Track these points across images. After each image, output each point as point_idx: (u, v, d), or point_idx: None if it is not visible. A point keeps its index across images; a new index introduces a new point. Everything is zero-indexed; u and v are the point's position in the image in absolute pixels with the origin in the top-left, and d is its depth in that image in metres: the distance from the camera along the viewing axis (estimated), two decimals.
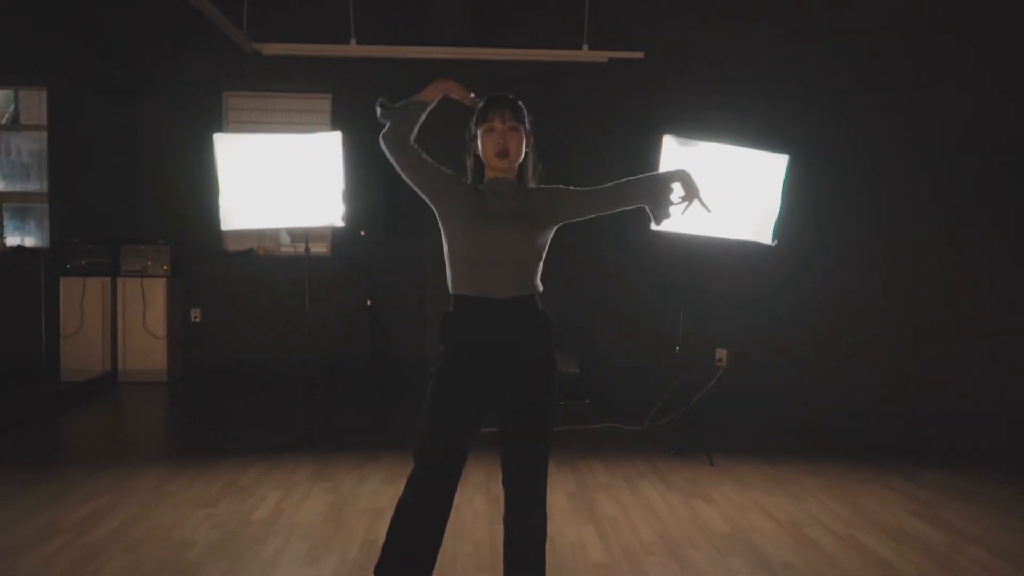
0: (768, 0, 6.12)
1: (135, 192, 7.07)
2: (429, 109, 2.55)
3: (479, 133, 2.50)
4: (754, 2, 6.18)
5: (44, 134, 7.07)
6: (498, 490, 3.97)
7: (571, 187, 2.56)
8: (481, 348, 2.44)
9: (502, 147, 2.45)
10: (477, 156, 2.53)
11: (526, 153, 2.53)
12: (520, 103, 2.53)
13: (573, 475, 4.31)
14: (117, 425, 5.72)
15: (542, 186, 2.59)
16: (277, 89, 7.21)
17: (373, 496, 3.89)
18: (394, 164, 2.52)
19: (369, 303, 6.77)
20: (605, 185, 2.56)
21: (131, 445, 5.09)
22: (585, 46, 5.52)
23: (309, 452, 4.64)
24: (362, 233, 6.70)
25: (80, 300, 6.59)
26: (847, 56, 6.02)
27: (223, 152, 4.54)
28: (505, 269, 2.44)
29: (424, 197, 2.54)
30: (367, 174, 6.59)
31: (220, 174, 4.53)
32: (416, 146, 2.53)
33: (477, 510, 3.73)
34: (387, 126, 2.51)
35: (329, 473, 4.27)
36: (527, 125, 2.52)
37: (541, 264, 2.53)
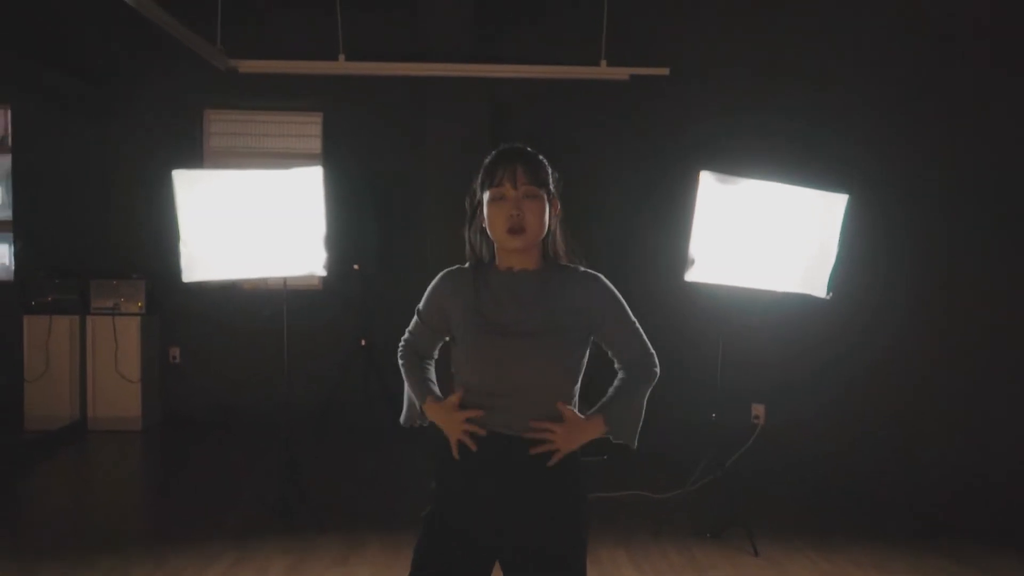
0: (824, 9, 5.04)
1: (107, 221, 6.47)
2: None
3: (485, 200, 1.86)
4: (805, 10, 5.13)
5: (7, 157, 6.46)
6: None
7: (617, 296, 1.96)
8: (487, 496, 1.83)
9: (516, 222, 1.81)
10: (483, 231, 1.90)
11: (550, 226, 1.89)
12: (540, 158, 1.90)
13: (596, 572, 3.65)
14: (75, 491, 5.10)
15: (580, 270, 1.95)
16: (263, 107, 6.59)
17: None
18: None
19: (363, 342, 6.18)
20: (635, 339, 2.00)
21: (86, 522, 4.45)
22: (603, 61, 4.93)
23: (286, 535, 4.01)
24: (355, 267, 6.11)
25: (46, 340, 5.98)
26: (929, 72, 4.74)
27: (185, 192, 3.90)
28: (526, 400, 1.82)
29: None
30: (360, 201, 6.01)
31: (181, 217, 3.89)
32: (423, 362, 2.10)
33: None
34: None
35: (306, 568, 3.63)
36: (552, 187, 1.89)
37: (578, 385, 1.90)
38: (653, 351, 2.00)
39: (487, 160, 1.89)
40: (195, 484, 5.00)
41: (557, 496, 1.85)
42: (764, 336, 5.05)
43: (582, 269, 1.96)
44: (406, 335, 2.10)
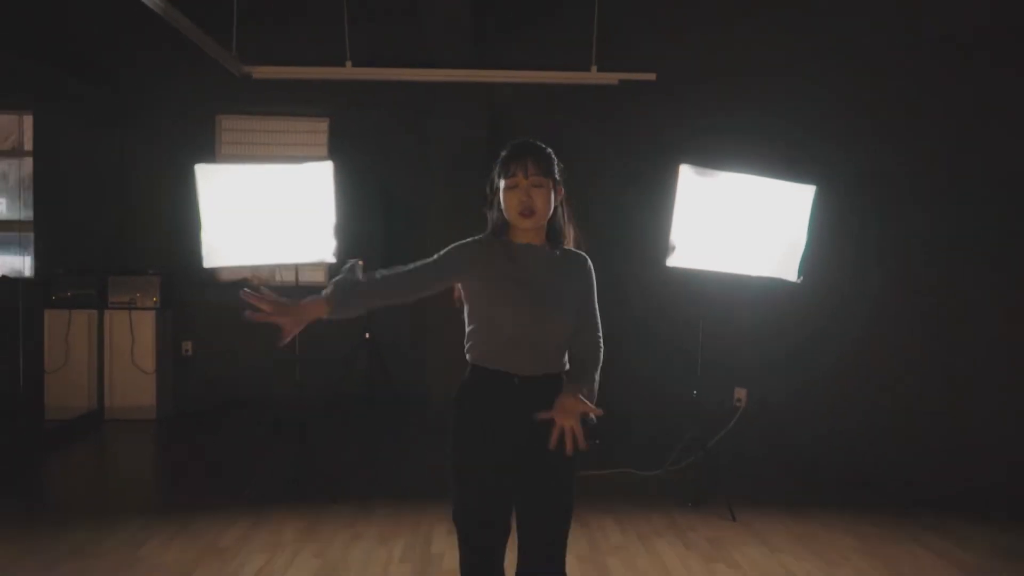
0: (792, 16, 5.57)
1: (123, 221, 6.79)
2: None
3: (501, 187, 2.23)
4: (776, 18, 5.65)
5: (29, 160, 6.79)
6: None
7: (594, 282, 2.34)
8: (501, 421, 2.19)
9: (526, 205, 2.18)
10: (500, 212, 2.26)
11: (555, 208, 2.26)
12: (548, 151, 2.26)
13: (584, 534, 3.95)
14: (98, 470, 5.41)
15: (578, 252, 2.34)
16: (272, 113, 6.93)
17: (364, 561, 3.55)
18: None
19: (368, 335, 6.47)
20: (596, 322, 2.33)
21: (109, 495, 4.76)
22: (594, 67, 5.24)
23: (299, 505, 4.31)
24: (360, 263, 6.40)
25: (65, 334, 6.28)
26: (887, 72, 5.37)
27: (206, 184, 4.23)
28: (539, 349, 2.21)
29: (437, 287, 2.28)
30: (364, 201, 6.33)
31: (202, 207, 4.22)
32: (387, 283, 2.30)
33: None
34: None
35: (319, 531, 3.93)
36: (557, 176, 2.25)
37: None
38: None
39: (503, 153, 2.24)
40: (210, 464, 5.29)
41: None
42: (742, 320, 5.41)
43: (575, 250, 2.33)
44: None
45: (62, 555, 3.55)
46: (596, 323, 2.32)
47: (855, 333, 5.34)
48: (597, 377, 2.26)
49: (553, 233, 2.28)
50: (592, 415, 2.08)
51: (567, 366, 2.26)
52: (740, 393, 5.69)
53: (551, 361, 2.22)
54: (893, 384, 5.35)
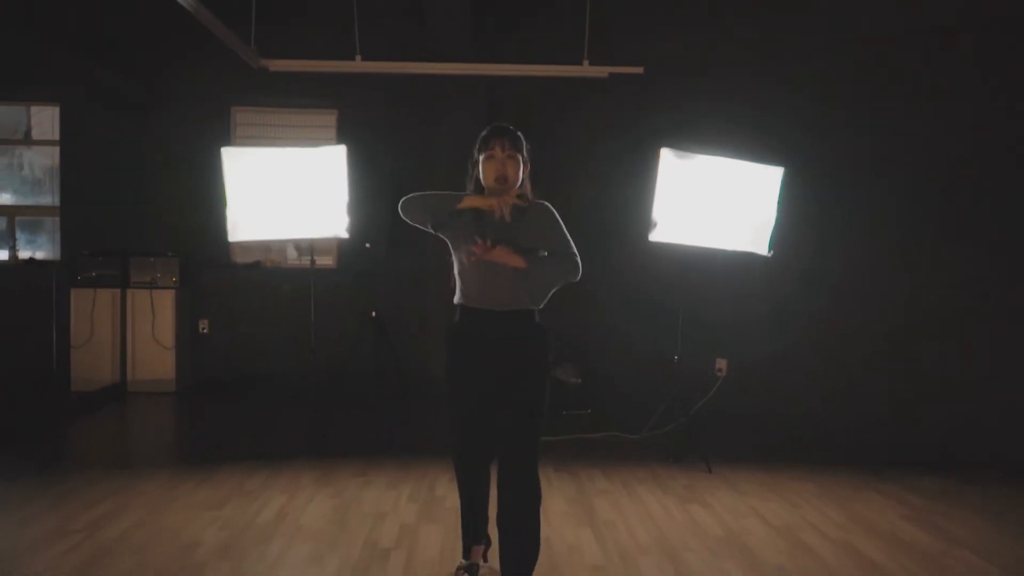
0: (766, 17, 6.27)
1: (145, 206, 7.19)
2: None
3: (480, 160, 2.77)
4: (752, 19, 6.32)
5: (56, 149, 7.22)
6: None
7: (558, 218, 2.77)
8: (483, 344, 2.73)
9: (501, 173, 2.73)
10: (478, 180, 2.80)
11: (522, 179, 2.78)
12: (519, 134, 2.79)
13: (572, 481, 4.38)
14: (125, 433, 5.81)
15: (538, 201, 2.80)
16: (284, 105, 7.34)
17: (376, 501, 3.97)
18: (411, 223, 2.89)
19: (374, 314, 6.88)
20: (570, 251, 2.75)
21: (139, 452, 5.18)
22: (585, 61, 5.64)
23: (313, 458, 4.72)
24: (367, 245, 6.83)
25: (90, 311, 6.70)
26: (845, 68, 6.14)
27: (231, 165, 4.66)
28: (506, 287, 2.70)
29: (431, 230, 2.82)
30: (371, 187, 6.73)
31: (228, 187, 4.65)
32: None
33: None
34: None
35: (333, 479, 4.35)
36: (524, 154, 2.78)
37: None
38: (579, 259, 2.78)
39: (483, 133, 2.80)
40: (229, 428, 5.69)
41: (533, 352, 2.76)
42: (719, 291, 5.96)
43: (537, 201, 2.82)
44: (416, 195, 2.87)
45: (104, 495, 3.96)
46: (570, 248, 2.75)
47: (820, 304, 5.98)
48: (559, 270, 2.72)
49: (521, 198, 2.75)
50: (510, 263, 2.62)
51: (539, 306, 2.78)
52: (721, 363, 6.13)
53: (516, 297, 2.71)
54: (854, 352, 5.98)
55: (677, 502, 4.08)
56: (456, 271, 2.82)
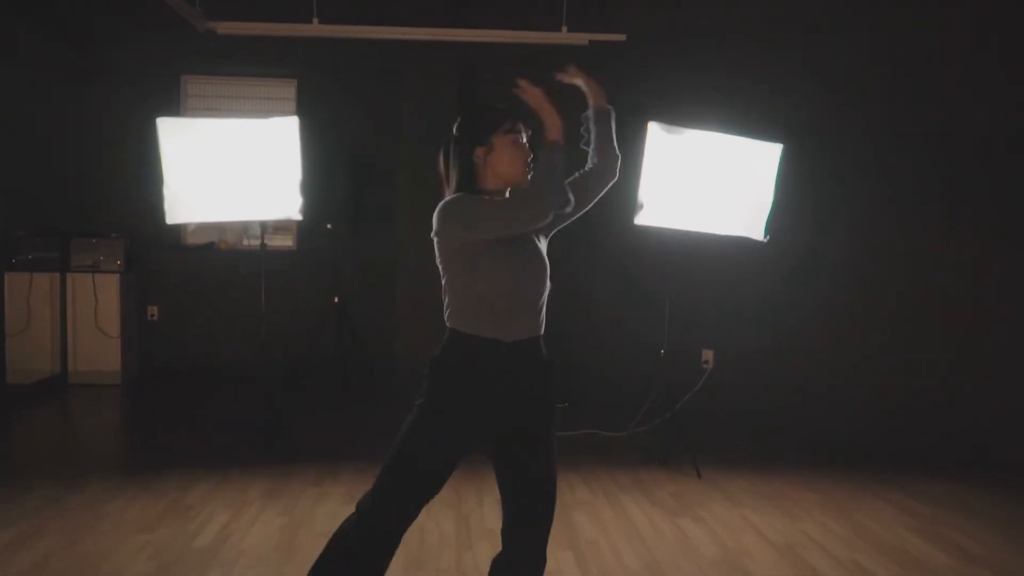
0: None
1: (86, 182, 6.64)
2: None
3: (496, 140, 2.10)
4: None
5: None
6: (468, 509, 3.68)
7: None
8: (500, 389, 2.07)
9: (530, 163, 2.11)
10: (471, 165, 2.11)
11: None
12: None
13: None
14: (62, 432, 5.34)
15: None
16: (239, 73, 6.81)
17: (330, 519, 3.53)
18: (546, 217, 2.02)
19: (336, 300, 6.43)
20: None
21: (73, 455, 4.70)
22: (564, 28, 5.19)
23: (264, 464, 4.29)
24: (329, 227, 6.36)
25: (27, 297, 6.16)
26: (848, 36, 5.51)
27: (168, 138, 4.15)
28: (530, 308, 2.10)
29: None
30: (332, 164, 6.25)
31: (165, 162, 4.14)
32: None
33: (444, 533, 3.40)
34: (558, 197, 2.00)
35: (283, 490, 3.91)
36: None
37: None
38: None
39: (495, 107, 2.15)
40: (176, 426, 5.24)
41: (550, 386, 2.15)
42: (710, 279, 5.48)
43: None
44: (499, 212, 2.03)
45: (22, 514, 3.50)
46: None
47: (819, 293, 5.47)
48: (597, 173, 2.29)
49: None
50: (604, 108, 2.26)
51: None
52: (707, 355, 5.74)
53: (537, 323, 2.12)
54: (855, 346, 5.48)
55: (666, 515, 3.70)
56: (467, 289, 2.07)
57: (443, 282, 2.13)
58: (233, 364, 6.43)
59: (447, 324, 2.12)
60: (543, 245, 2.19)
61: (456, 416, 2.06)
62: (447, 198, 2.11)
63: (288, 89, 6.88)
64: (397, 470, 2.08)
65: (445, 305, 2.13)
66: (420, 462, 2.08)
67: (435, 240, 2.09)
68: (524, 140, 2.14)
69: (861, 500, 3.98)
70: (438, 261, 2.12)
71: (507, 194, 2.16)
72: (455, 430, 2.07)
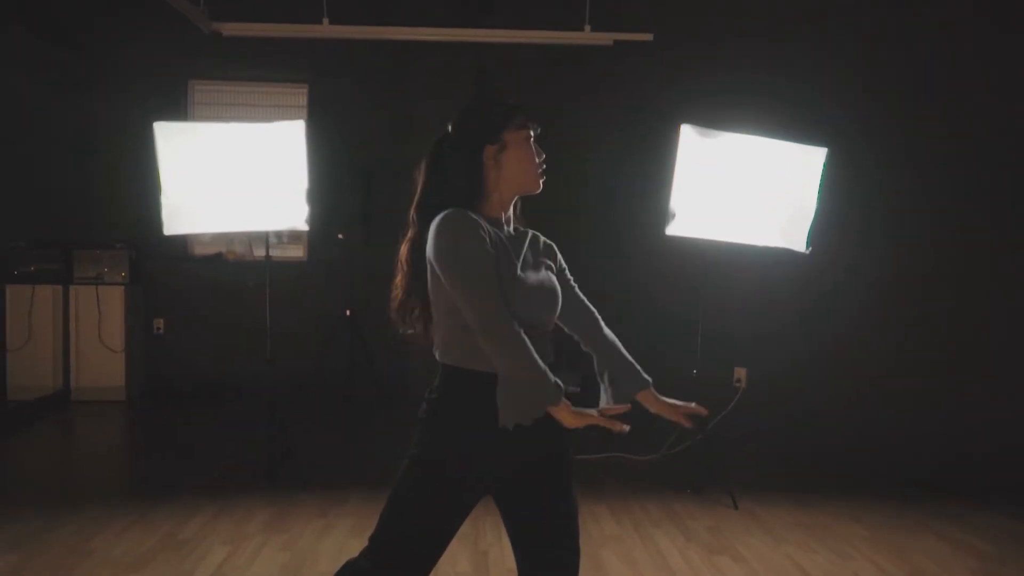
0: None
1: (90, 191, 6.43)
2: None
3: (509, 136, 1.80)
4: None
5: None
6: (487, 544, 3.39)
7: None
8: (494, 438, 1.73)
9: (543, 168, 1.84)
10: (479, 168, 1.79)
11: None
12: None
13: None
14: (59, 453, 5.10)
15: (539, 235, 1.96)
16: (248, 78, 6.58)
17: (336, 554, 3.25)
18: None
19: (348, 312, 6.17)
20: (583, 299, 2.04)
21: (66, 480, 4.45)
22: (587, 27, 4.92)
23: (267, 492, 4.01)
24: (340, 236, 6.11)
25: (28, 310, 5.93)
26: (897, 33, 5.07)
27: (166, 144, 3.89)
28: (540, 338, 1.78)
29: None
30: (344, 172, 6.00)
31: (163, 169, 3.88)
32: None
33: (460, 574, 3.10)
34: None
35: (287, 522, 3.63)
36: None
37: None
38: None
39: (504, 103, 1.85)
40: (179, 447, 5.00)
41: (566, 436, 1.84)
42: (745, 294, 5.12)
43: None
44: (491, 301, 1.68)
45: (2, 547, 3.24)
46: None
47: (860, 308, 5.09)
48: None
49: (517, 208, 1.91)
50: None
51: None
52: (740, 373, 5.39)
53: (551, 351, 1.83)
54: (897, 365, 5.10)
55: (703, 553, 3.38)
56: (464, 319, 1.73)
57: (433, 313, 1.82)
58: (241, 379, 6.14)
59: (440, 361, 1.80)
60: (554, 274, 1.90)
61: (460, 467, 1.77)
62: (455, 217, 1.73)
63: (299, 96, 6.64)
64: (394, 532, 1.81)
65: (438, 341, 1.81)
66: (420, 524, 1.81)
67: (431, 263, 1.77)
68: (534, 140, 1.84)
69: (914, 534, 3.64)
70: (429, 288, 1.80)
71: (512, 206, 1.87)
72: (459, 484, 1.78)
